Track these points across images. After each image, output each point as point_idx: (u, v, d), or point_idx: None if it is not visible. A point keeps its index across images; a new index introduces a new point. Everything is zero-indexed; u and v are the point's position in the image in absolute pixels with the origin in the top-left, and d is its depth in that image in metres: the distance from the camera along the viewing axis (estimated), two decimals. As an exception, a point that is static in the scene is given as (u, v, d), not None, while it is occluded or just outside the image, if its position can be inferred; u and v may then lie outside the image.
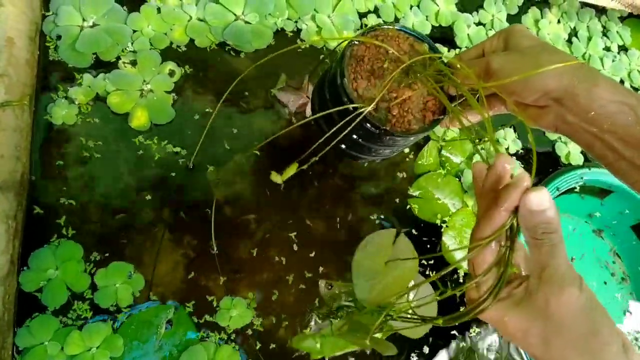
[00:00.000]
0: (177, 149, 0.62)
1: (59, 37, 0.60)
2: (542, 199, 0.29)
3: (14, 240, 0.53)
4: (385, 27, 0.49)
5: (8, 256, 0.51)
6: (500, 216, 0.31)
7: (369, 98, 0.46)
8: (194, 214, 0.61)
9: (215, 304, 0.59)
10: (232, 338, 0.58)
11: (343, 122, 0.45)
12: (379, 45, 0.47)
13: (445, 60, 0.46)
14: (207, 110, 0.64)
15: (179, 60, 0.65)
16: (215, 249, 0.60)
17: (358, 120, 0.44)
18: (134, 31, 0.64)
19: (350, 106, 0.45)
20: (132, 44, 0.63)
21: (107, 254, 0.56)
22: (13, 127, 0.54)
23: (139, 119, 0.61)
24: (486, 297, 0.32)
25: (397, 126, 0.47)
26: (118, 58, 0.62)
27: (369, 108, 0.44)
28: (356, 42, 0.48)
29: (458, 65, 0.43)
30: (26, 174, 0.56)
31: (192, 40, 0.66)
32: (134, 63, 0.62)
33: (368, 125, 0.45)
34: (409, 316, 0.39)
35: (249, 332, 0.59)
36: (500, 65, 0.39)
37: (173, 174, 0.61)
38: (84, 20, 0.61)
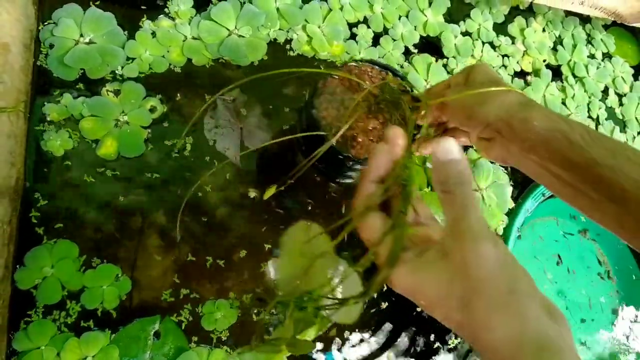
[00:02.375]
0: (172, 150, 0.63)
1: (51, 46, 0.61)
2: (449, 148, 0.29)
3: (8, 245, 0.53)
4: (360, 62, 0.56)
5: (2, 261, 0.52)
6: (376, 167, 0.32)
7: (338, 127, 0.52)
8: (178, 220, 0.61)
9: (199, 309, 0.59)
10: (221, 340, 0.59)
11: (319, 149, 0.50)
12: (350, 78, 0.54)
13: (413, 92, 0.51)
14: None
15: (178, 80, 0.65)
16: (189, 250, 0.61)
17: (326, 146, 0.50)
18: (133, 59, 0.64)
19: (317, 133, 0.52)
20: (122, 67, 0.63)
21: (99, 258, 0.57)
22: (7, 133, 0.55)
23: (107, 148, 0.60)
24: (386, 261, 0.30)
25: (362, 153, 0.52)
26: (113, 77, 0.63)
27: (334, 138, 0.50)
28: (335, 76, 0.55)
29: (415, 92, 0.48)
30: (21, 179, 0.57)
31: (189, 60, 0.67)
32: (117, 92, 0.62)
33: (333, 151, 0.51)
34: (327, 303, 0.35)
35: (236, 331, 0.60)
36: (452, 99, 0.43)
37: (160, 178, 0.62)
38: (81, 35, 0.62)
